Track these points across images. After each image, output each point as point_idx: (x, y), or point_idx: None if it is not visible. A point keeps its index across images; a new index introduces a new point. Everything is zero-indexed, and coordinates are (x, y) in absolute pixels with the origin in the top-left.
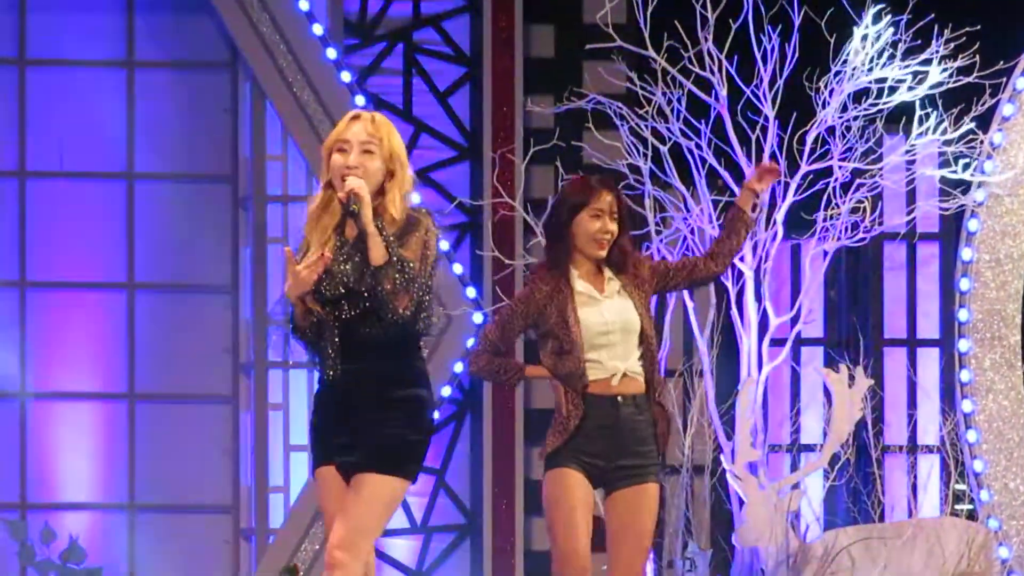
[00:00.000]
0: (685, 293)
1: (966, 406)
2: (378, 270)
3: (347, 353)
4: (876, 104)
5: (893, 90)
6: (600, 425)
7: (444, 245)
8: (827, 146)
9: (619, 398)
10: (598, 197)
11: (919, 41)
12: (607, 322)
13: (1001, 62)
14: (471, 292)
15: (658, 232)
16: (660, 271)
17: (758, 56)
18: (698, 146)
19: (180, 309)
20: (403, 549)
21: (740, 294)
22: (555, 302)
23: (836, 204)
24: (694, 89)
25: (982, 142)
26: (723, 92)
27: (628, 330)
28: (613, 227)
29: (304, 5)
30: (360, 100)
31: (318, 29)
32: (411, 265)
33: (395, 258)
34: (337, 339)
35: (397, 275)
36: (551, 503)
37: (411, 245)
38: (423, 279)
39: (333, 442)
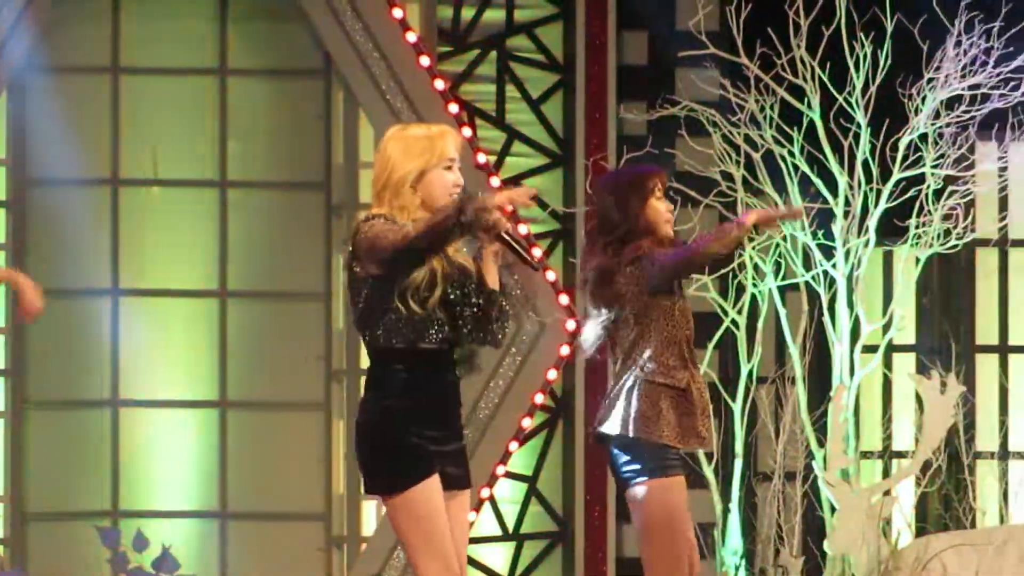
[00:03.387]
0: (777, 299)
1: None
2: (495, 293)
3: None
4: (969, 111)
5: (986, 97)
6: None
7: (537, 252)
8: (919, 153)
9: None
10: (659, 180)
11: (1011, 47)
12: None
13: None
14: (564, 299)
15: (750, 239)
16: None
17: (851, 63)
18: (791, 153)
19: (272, 317)
20: (495, 556)
21: (832, 301)
22: None
23: (928, 211)
24: (787, 96)
25: None
26: (816, 99)
27: None
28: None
29: (397, 13)
30: (453, 107)
31: (411, 36)
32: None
33: (506, 288)
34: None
35: (506, 301)
36: (673, 516)
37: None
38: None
39: (443, 449)
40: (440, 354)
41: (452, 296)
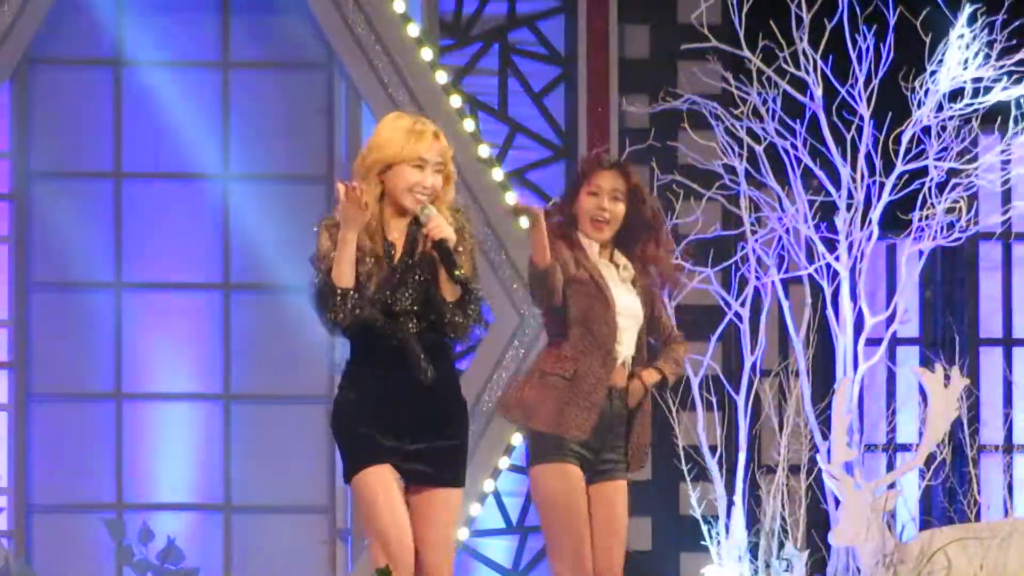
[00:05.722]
0: (780, 291)
1: None
2: (450, 304)
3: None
4: (972, 104)
5: (989, 90)
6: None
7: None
8: (922, 146)
9: (612, 390)
10: (599, 175)
11: (1015, 41)
12: (624, 305)
13: None
14: None
15: (753, 232)
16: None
17: (853, 56)
18: (793, 146)
19: (275, 309)
20: (498, 549)
21: (835, 294)
22: (583, 263)
23: (932, 204)
24: (789, 89)
25: None
26: (818, 92)
27: (635, 319)
28: (614, 208)
29: (399, 6)
30: (456, 101)
31: (413, 30)
32: (478, 296)
33: (468, 296)
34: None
35: (470, 309)
36: (553, 503)
37: (466, 255)
38: (480, 294)
39: (402, 445)
40: (398, 351)
41: (384, 297)
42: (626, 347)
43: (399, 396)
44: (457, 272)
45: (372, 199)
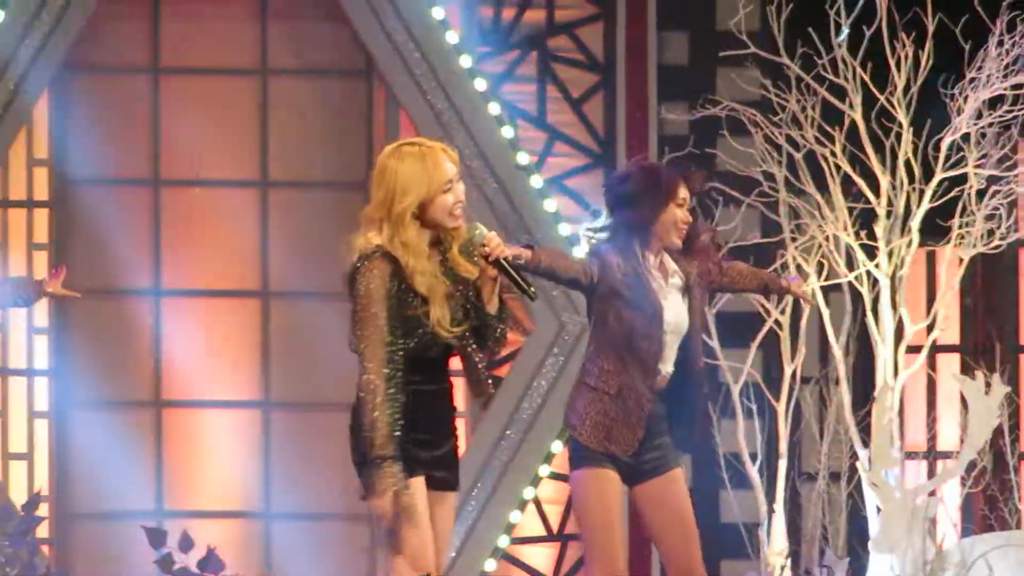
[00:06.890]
0: (821, 300)
1: None
2: (491, 316)
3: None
4: (1011, 111)
5: None
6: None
7: (579, 253)
8: (962, 153)
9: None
10: (679, 187)
11: None
12: (667, 321)
13: None
14: None
15: (792, 239)
16: (723, 270)
17: (892, 63)
18: (832, 153)
19: (314, 316)
20: (539, 556)
21: (875, 301)
22: (635, 275)
23: (971, 211)
24: (828, 96)
25: None
26: (857, 99)
27: (679, 332)
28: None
29: (438, 13)
30: (494, 108)
31: (452, 37)
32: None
33: (504, 310)
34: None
35: (504, 324)
36: (588, 506)
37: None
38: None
39: (433, 453)
40: (434, 362)
41: (455, 314)
42: (668, 363)
43: (434, 406)
44: (532, 289)
45: (415, 235)
